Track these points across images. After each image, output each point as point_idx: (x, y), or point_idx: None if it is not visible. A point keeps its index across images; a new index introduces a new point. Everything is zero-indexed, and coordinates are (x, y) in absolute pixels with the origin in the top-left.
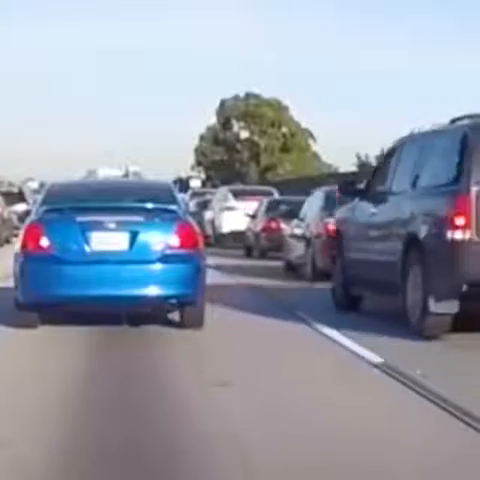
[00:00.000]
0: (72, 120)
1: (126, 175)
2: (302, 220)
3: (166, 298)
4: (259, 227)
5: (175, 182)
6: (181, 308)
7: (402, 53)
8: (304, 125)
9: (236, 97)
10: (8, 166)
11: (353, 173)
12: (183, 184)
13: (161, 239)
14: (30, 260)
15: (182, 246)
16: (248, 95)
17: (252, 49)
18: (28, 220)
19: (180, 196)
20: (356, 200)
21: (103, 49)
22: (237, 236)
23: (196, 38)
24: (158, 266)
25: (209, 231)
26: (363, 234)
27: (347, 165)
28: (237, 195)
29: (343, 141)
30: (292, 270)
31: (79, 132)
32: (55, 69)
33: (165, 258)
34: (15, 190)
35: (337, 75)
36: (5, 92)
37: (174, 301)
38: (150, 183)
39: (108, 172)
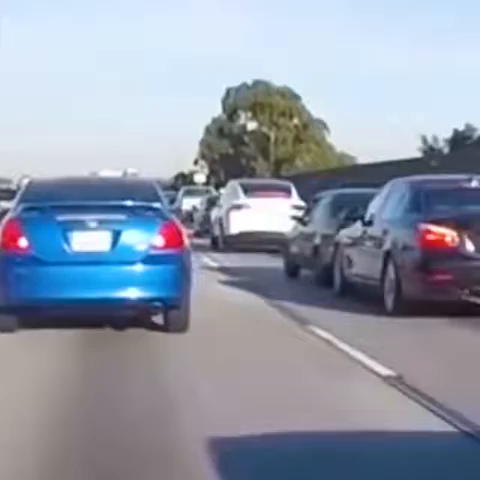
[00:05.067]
0: (72, 120)
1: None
2: (370, 224)
3: (150, 301)
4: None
5: (177, 178)
6: (165, 311)
7: (402, 52)
8: (316, 116)
9: (243, 85)
10: (7, 165)
11: (417, 159)
12: (186, 179)
13: (144, 238)
14: (7, 261)
15: (166, 246)
16: (257, 82)
17: (253, 49)
18: (5, 218)
19: (164, 194)
20: None
21: (103, 49)
22: (247, 238)
23: (196, 38)
24: (141, 267)
25: (216, 232)
26: None
27: (363, 157)
28: (248, 190)
29: (357, 133)
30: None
31: (79, 132)
32: (55, 69)
33: (149, 258)
34: (13, 187)
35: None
36: (5, 92)
37: (158, 304)
38: (133, 181)
39: (108, 174)
